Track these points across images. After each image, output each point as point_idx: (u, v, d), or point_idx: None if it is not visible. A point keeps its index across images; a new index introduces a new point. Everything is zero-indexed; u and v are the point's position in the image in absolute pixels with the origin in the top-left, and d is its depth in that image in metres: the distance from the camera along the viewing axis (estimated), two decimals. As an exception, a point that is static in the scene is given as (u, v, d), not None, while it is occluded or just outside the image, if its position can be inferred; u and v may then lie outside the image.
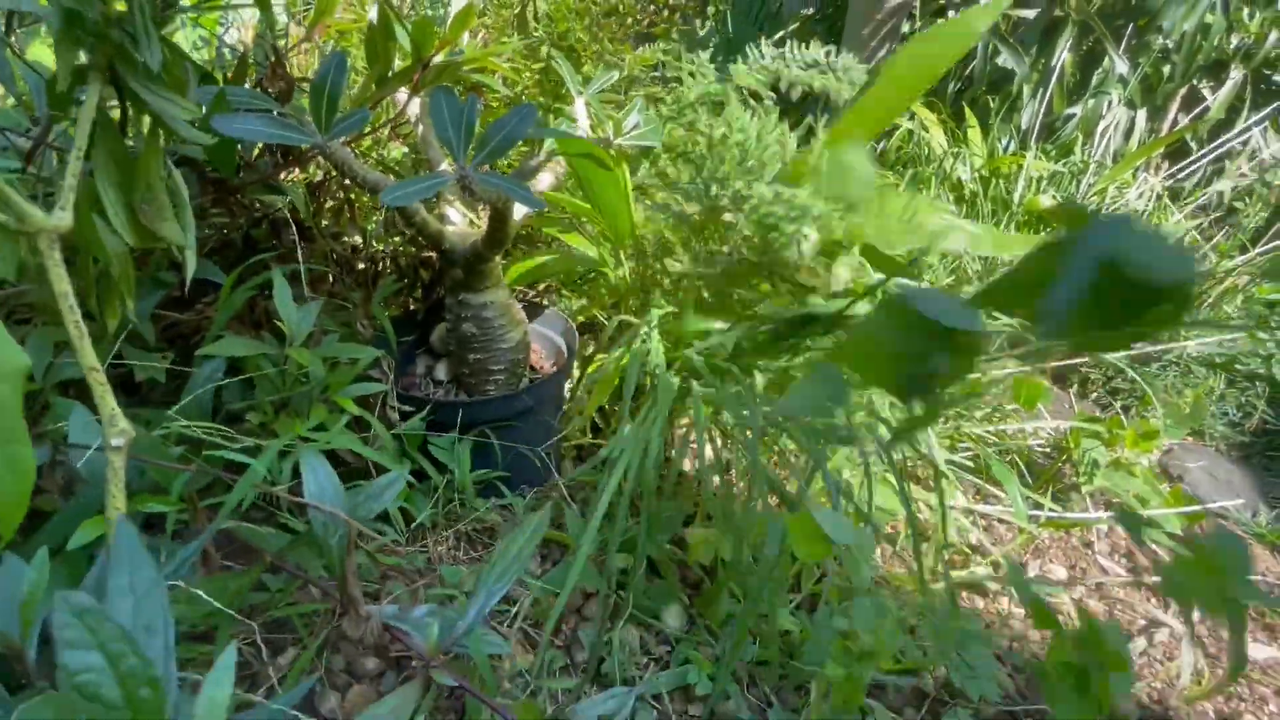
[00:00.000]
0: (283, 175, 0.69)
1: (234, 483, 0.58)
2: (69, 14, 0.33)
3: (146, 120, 0.45)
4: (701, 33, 2.54)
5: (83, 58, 0.36)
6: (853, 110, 1.12)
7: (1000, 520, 1.03)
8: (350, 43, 0.88)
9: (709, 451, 0.79)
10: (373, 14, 0.82)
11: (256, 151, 0.69)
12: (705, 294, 0.82)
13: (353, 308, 0.82)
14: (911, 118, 1.96)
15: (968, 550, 0.95)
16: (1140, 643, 0.87)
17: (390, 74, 0.64)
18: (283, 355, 0.63)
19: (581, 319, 1.10)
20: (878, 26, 2.05)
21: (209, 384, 0.59)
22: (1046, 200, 1.64)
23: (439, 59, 0.66)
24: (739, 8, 2.59)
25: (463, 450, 0.81)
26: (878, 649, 0.49)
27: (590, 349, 1.00)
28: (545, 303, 1.06)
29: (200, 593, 0.43)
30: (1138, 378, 1.23)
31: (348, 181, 0.89)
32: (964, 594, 0.91)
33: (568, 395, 0.99)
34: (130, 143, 0.45)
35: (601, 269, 0.93)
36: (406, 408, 0.79)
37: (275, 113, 0.57)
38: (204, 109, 0.52)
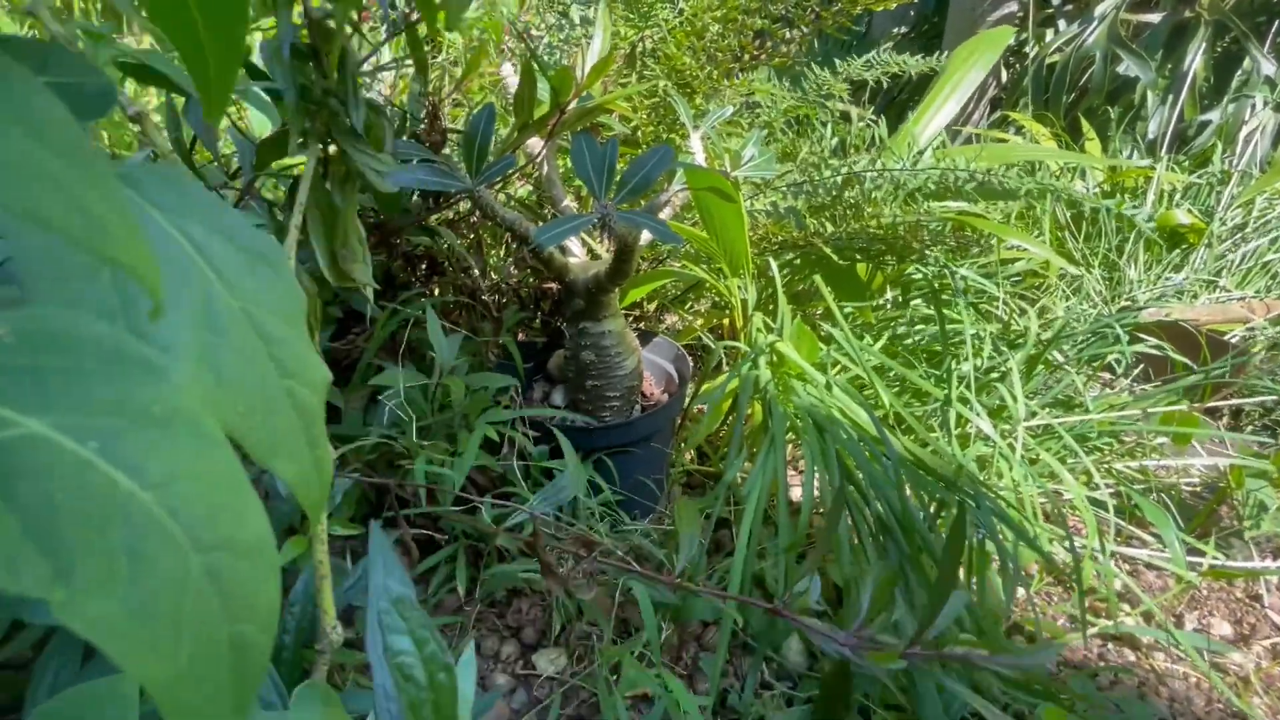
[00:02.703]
0: (431, 218, 0.75)
1: (390, 498, 0.62)
2: (302, 89, 0.38)
3: (334, 173, 0.51)
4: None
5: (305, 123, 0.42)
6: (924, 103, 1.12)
7: (1149, 566, 0.94)
8: (481, 95, 0.95)
9: (815, 483, 0.78)
10: (504, 69, 0.88)
11: (412, 197, 0.75)
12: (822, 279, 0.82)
13: (481, 337, 0.87)
14: (1018, 131, 1.87)
15: (1111, 598, 0.87)
16: (1332, 714, 0.76)
17: (530, 122, 0.69)
18: (434, 384, 0.67)
19: (686, 342, 1.11)
20: (979, 41, 1.98)
21: (389, 413, 0.65)
22: (1183, 215, 1.51)
23: (573, 105, 0.70)
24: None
25: (582, 475, 0.83)
26: None
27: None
28: (658, 328, 1.08)
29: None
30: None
31: (474, 219, 0.95)
32: (1112, 646, 0.83)
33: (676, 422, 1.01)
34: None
35: (716, 290, 0.95)
36: (533, 432, 0.82)
37: (433, 162, 0.62)
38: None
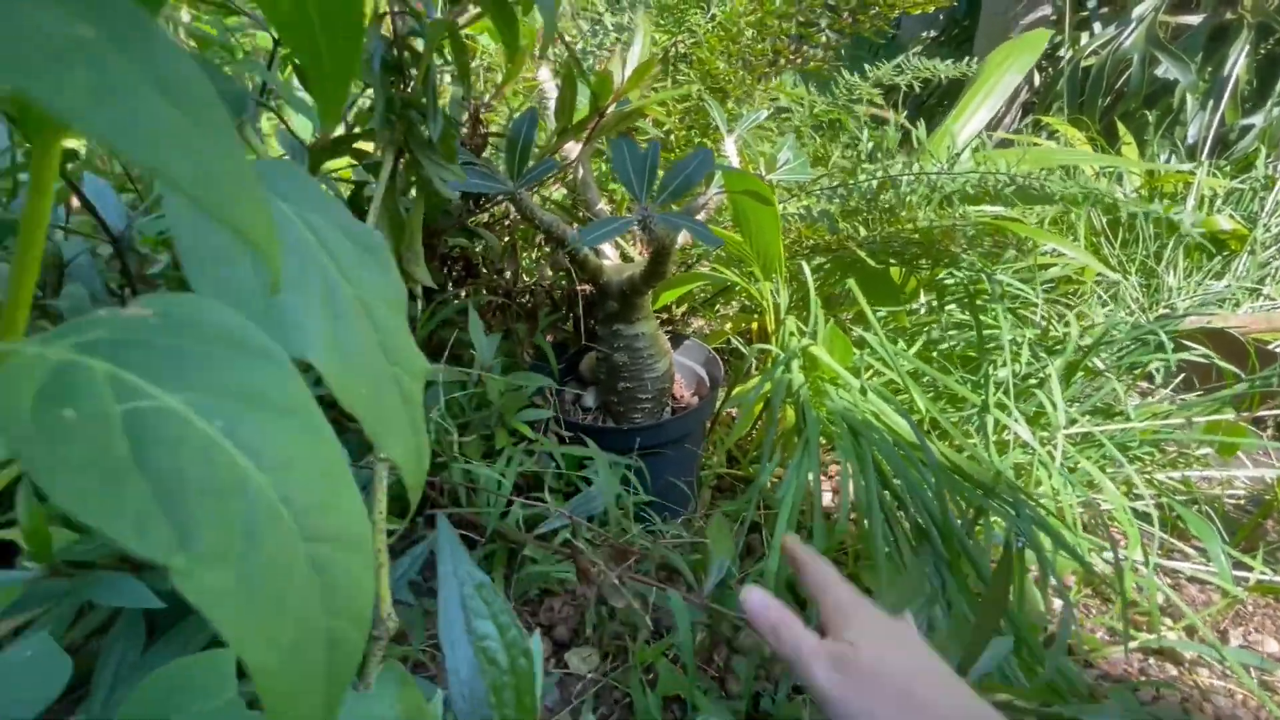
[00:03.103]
0: (470, 220, 0.77)
1: (429, 497, 0.63)
2: (389, 99, 0.39)
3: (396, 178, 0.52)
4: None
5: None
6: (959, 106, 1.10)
7: (1192, 579, 0.92)
8: (519, 101, 0.96)
9: (850, 487, 0.78)
10: (541, 74, 0.90)
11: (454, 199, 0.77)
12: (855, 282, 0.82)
13: (516, 338, 0.88)
14: (1051, 135, 1.84)
15: (1154, 611, 0.85)
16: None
17: (569, 126, 0.70)
18: (473, 382, 0.68)
19: (715, 345, 1.12)
20: (1011, 44, 1.96)
21: (433, 408, 0.66)
22: (1224, 221, 1.47)
23: (611, 109, 0.71)
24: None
25: (615, 476, 0.84)
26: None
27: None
28: (684, 331, 1.09)
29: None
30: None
31: (508, 222, 0.96)
32: (1153, 661, 0.81)
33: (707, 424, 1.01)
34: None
35: (746, 294, 0.95)
36: (566, 432, 0.83)
37: (475, 165, 0.63)
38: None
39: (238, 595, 0.13)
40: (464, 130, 0.69)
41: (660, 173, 0.60)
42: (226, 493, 0.14)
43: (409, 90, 0.47)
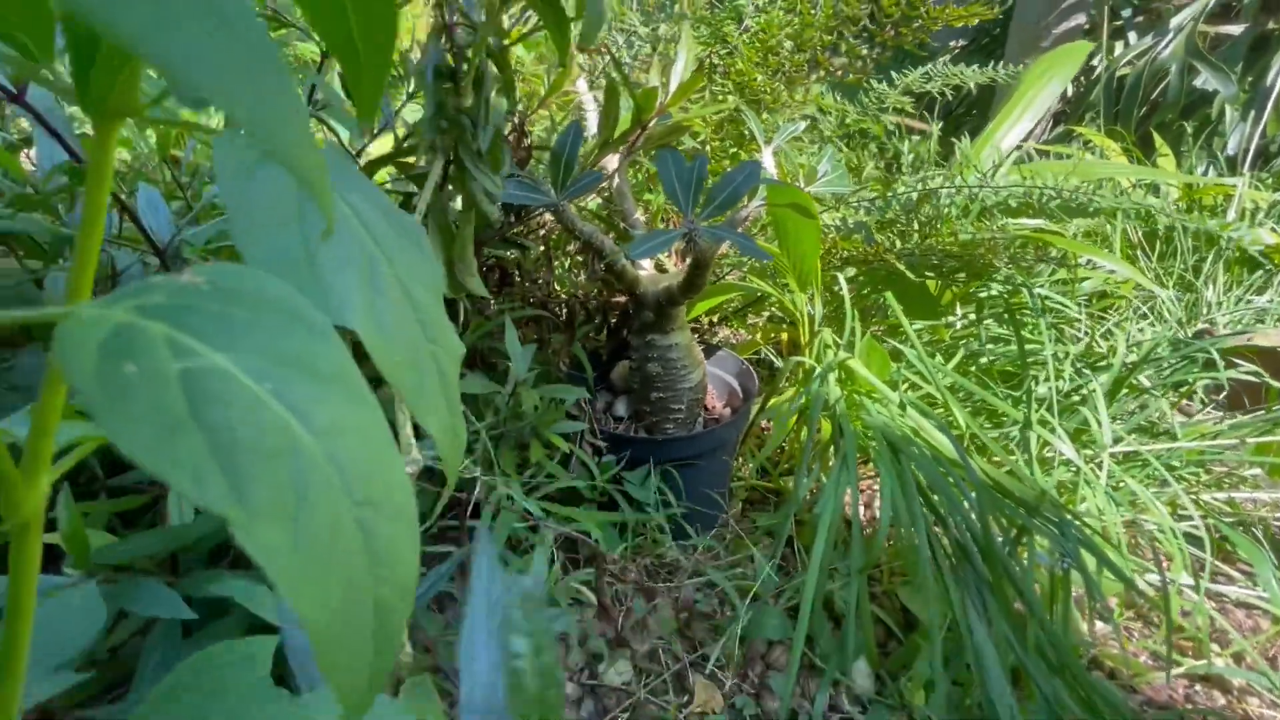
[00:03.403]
0: (510, 232, 0.77)
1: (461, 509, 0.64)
2: (439, 105, 0.40)
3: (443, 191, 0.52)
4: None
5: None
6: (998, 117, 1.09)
7: (1239, 604, 0.89)
8: (561, 115, 0.97)
9: (889, 503, 0.76)
10: (580, 85, 0.90)
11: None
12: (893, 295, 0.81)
13: (550, 348, 0.88)
14: (1084, 146, 1.81)
15: (1203, 637, 0.83)
16: None
17: (611, 139, 0.70)
18: (508, 393, 0.69)
19: (746, 355, 1.11)
20: (1042, 55, 1.94)
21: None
22: (1267, 234, 1.44)
23: (653, 122, 0.71)
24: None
25: (649, 487, 0.84)
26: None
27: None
28: (712, 341, 1.08)
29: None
30: None
31: (543, 232, 0.97)
32: (1200, 688, 0.79)
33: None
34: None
35: (778, 305, 0.94)
36: (601, 442, 0.83)
37: (519, 177, 0.64)
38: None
39: (290, 552, 0.13)
40: (509, 142, 0.70)
41: (707, 184, 0.60)
42: (278, 453, 0.14)
43: (461, 99, 0.47)
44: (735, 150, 0.98)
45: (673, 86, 0.67)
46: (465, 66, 0.42)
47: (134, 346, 0.14)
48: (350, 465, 0.15)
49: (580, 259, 1.06)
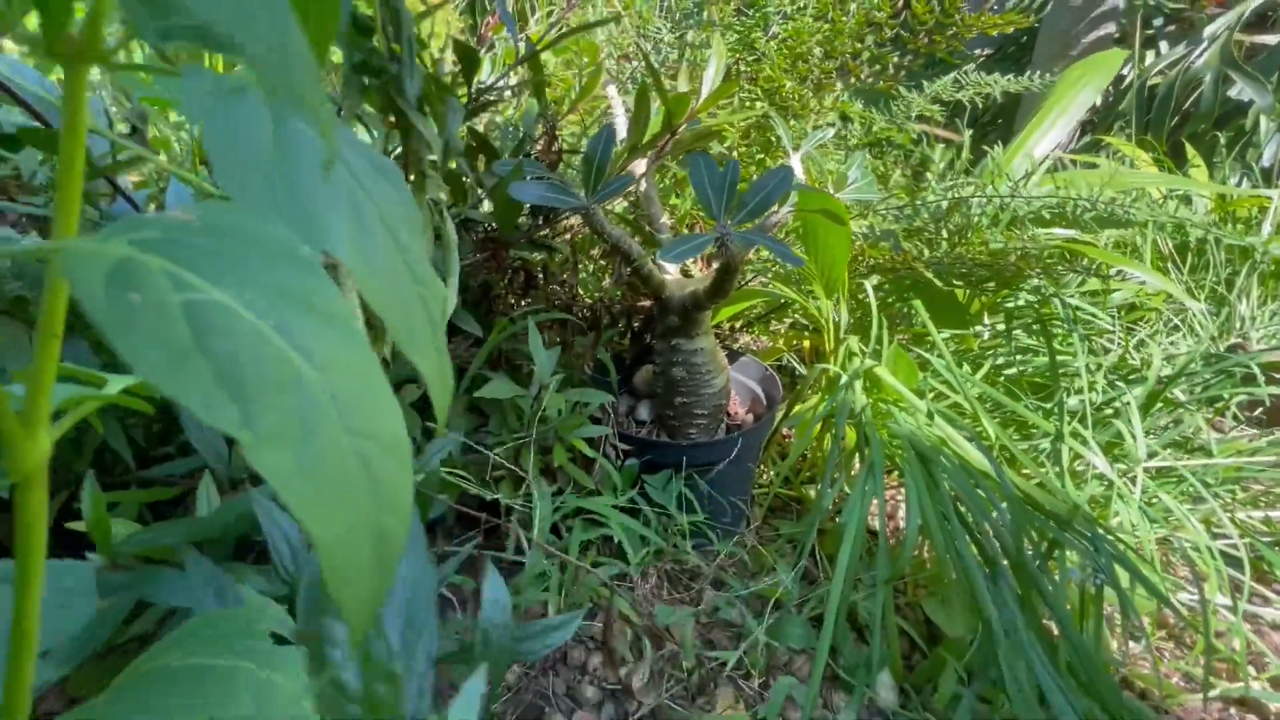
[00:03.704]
0: (538, 234, 0.78)
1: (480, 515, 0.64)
2: (361, 62, 0.40)
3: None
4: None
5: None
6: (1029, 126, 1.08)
7: (1275, 626, 0.86)
8: (590, 120, 0.98)
9: (915, 514, 0.75)
10: (609, 90, 0.91)
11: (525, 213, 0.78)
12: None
13: (574, 351, 0.88)
14: (1114, 154, 1.78)
15: (1240, 659, 0.81)
16: None
17: (640, 143, 0.70)
18: (532, 397, 0.69)
19: (770, 362, 1.11)
20: (1071, 64, 1.91)
21: (497, 425, 0.67)
22: (1304, 248, 1.40)
23: (683, 127, 0.72)
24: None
25: (672, 491, 0.83)
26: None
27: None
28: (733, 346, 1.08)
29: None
30: None
31: (569, 236, 0.97)
32: (1235, 711, 0.77)
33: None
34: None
35: (803, 311, 0.94)
36: (625, 446, 0.83)
37: (549, 179, 0.64)
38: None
39: (299, 474, 0.14)
40: (538, 146, 0.70)
41: (740, 189, 0.60)
42: (281, 383, 0.14)
43: (382, 50, 0.45)
44: (762, 156, 0.98)
45: (704, 92, 0.67)
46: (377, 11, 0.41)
47: (135, 278, 0.14)
48: (348, 399, 0.16)
49: (604, 262, 1.06)
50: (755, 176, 1.02)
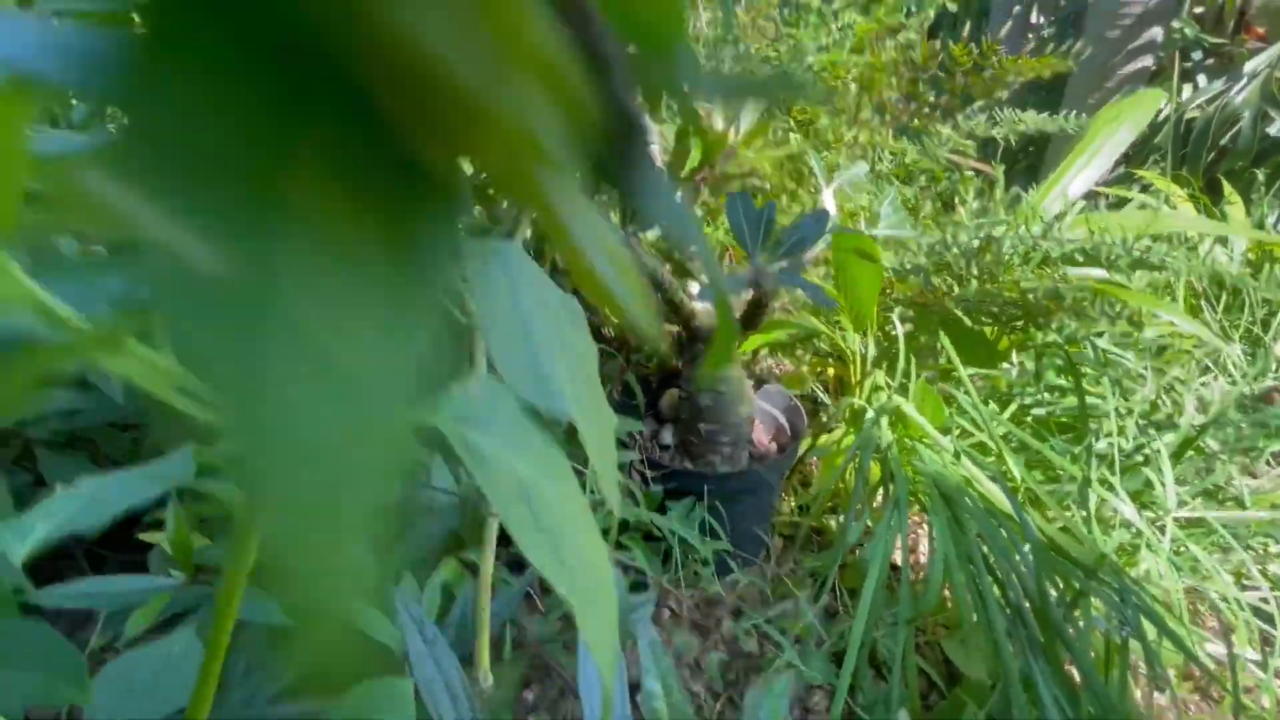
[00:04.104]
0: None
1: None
2: None
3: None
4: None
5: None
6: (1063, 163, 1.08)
7: (1307, 684, 0.84)
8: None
9: (939, 553, 0.75)
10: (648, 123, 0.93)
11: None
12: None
13: (603, 374, 0.90)
14: (1144, 190, 1.77)
15: (1268, 717, 0.79)
16: None
17: (678, 178, 0.72)
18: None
19: (796, 392, 1.11)
20: (1106, 96, 1.90)
21: None
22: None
23: (719, 165, 0.73)
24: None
25: (694, 519, 0.84)
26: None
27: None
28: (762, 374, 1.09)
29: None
30: None
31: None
32: (1264, 770, 0.75)
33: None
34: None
35: (829, 342, 0.94)
36: (651, 472, 0.84)
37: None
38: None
39: (562, 566, 0.20)
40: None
41: (775, 228, 0.61)
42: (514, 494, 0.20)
43: None
44: (794, 187, 0.99)
45: (742, 128, 0.68)
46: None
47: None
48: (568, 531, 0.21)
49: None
50: (785, 201, 1.03)
